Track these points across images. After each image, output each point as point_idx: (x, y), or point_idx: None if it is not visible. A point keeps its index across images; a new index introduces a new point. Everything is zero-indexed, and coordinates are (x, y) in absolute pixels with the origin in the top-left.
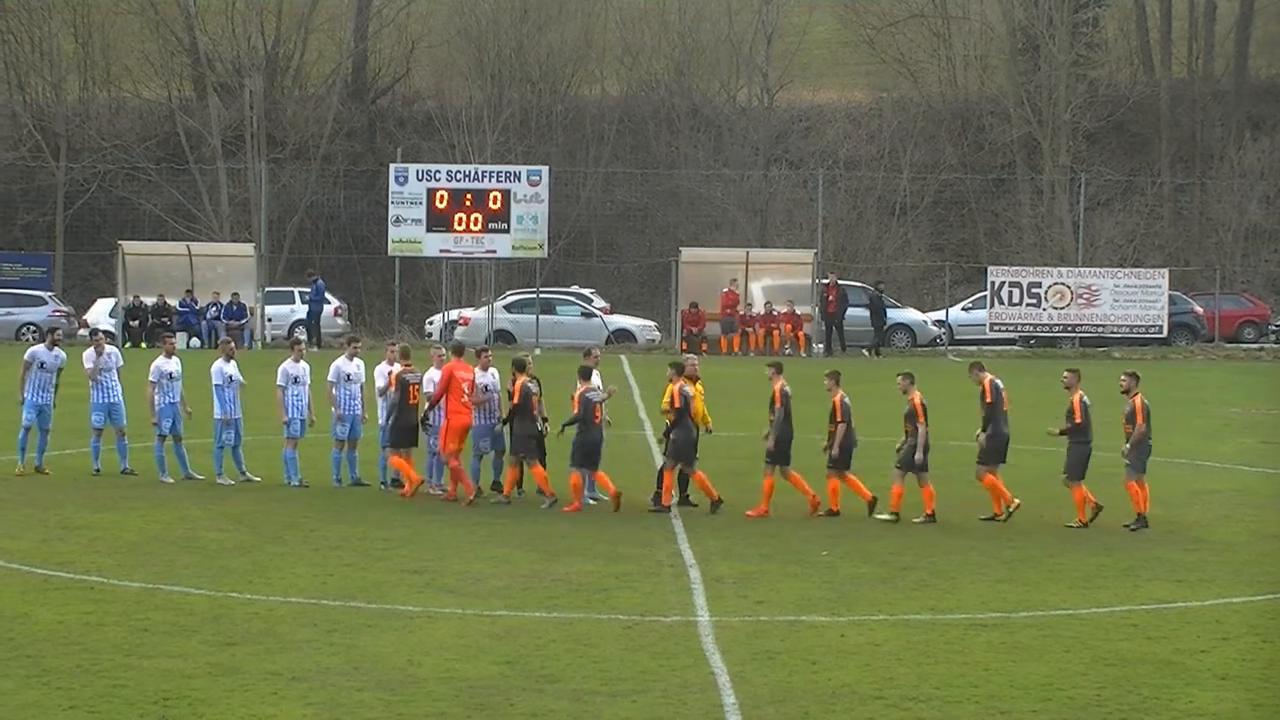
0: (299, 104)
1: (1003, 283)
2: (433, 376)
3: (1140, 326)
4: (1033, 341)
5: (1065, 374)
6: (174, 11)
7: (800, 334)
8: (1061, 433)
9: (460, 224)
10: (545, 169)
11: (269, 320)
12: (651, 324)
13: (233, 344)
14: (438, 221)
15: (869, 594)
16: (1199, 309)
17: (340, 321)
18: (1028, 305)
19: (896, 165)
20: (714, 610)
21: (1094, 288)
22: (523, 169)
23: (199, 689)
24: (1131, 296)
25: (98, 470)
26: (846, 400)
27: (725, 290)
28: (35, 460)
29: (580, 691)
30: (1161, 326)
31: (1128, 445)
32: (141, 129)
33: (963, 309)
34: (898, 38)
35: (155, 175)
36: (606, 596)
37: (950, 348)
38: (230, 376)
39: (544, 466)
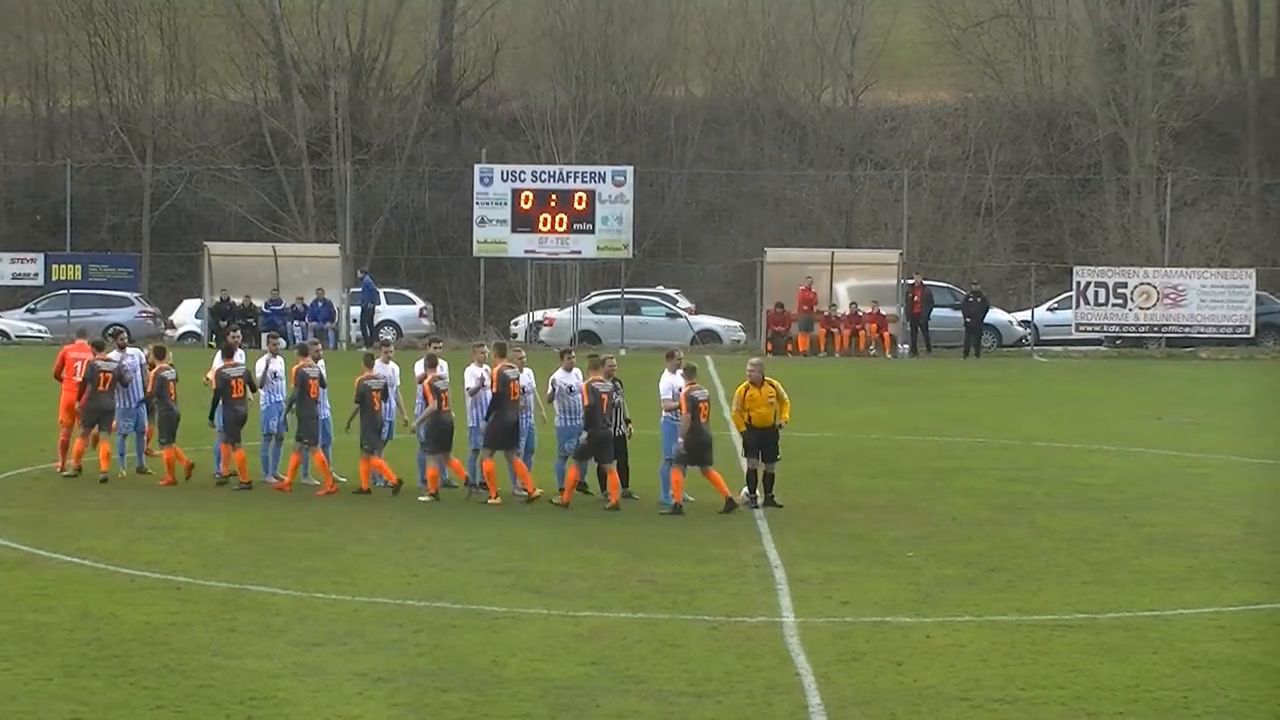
0: (384, 105)
1: (1088, 283)
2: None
3: (1227, 326)
4: (1119, 342)
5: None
6: (259, 14)
7: (886, 335)
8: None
9: (545, 224)
10: (630, 169)
11: (354, 321)
12: (737, 324)
13: (319, 345)
14: (522, 222)
15: (955, 595)
16: None
17: (425, 323)
18: (1114, 305)
19: (982, 165)
20: (799, 611)
21: (1180, 288)
22: (607, 169)
23: (285, 689)
24: (1218, 296)
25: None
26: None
27: (801, 288)
28: (136, 460)
29: (666, 692)
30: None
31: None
32: (227, 131)
33: (1048, 309)
34: (983, 38)
35: (241, 177)
36: (692, 597)
37: (1036, 348)
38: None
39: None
